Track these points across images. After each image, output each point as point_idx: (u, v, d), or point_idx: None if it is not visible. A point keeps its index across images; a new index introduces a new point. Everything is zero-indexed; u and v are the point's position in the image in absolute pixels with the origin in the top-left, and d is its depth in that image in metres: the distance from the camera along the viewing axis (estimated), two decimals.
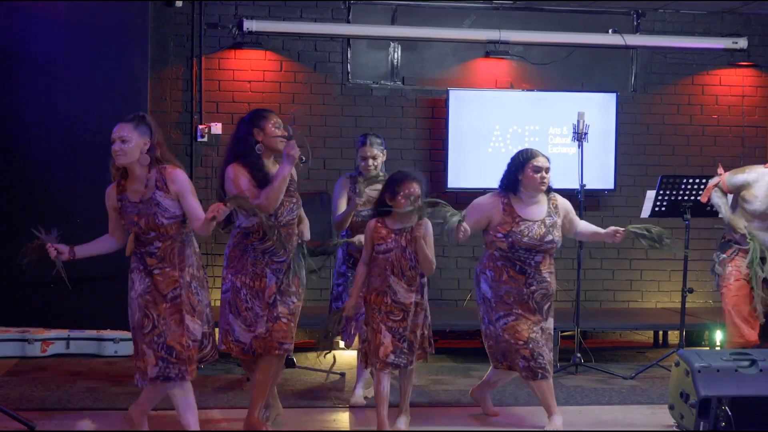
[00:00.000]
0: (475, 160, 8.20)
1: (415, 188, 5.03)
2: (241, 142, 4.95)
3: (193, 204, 4.60)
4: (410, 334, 5.08)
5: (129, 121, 4.59)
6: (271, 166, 4.97)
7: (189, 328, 4.62)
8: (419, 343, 5.14)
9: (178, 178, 4.61)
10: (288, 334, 4.95)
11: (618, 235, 5.38)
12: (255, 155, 4.92)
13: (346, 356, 7.59)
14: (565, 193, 5.65)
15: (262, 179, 4.87)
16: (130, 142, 4.56)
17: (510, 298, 5.20)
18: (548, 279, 5.28)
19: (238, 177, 4.86)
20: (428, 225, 5.08)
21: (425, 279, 5.16)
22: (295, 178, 5.06)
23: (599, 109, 8.24)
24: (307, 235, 5.18)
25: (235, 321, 4.95)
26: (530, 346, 5.15)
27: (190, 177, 8.10)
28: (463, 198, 8.43)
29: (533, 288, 5.22)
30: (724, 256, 6.20)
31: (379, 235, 5.09)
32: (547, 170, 5.30)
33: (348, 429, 5.50)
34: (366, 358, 5.20)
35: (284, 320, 4.93)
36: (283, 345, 4.93)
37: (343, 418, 5.69)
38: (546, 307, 5.28)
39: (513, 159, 5.36)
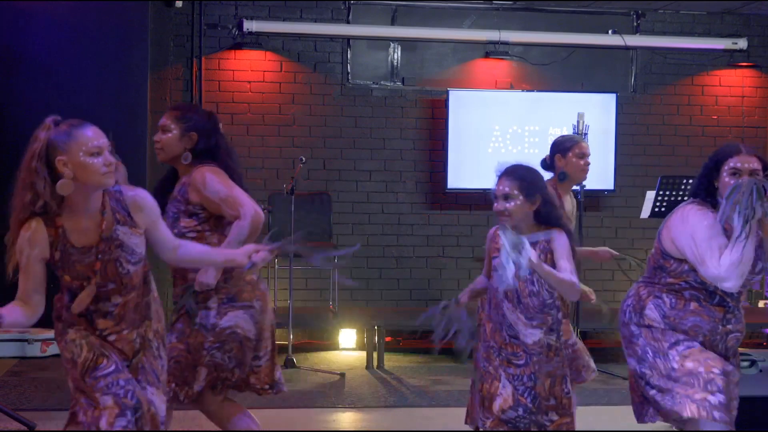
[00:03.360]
0: (474, 161, 8.20)
1: (503, 187, 3.69)
2: None
3: (166, 230, 3.41)
4: (539, 386, 3.71)
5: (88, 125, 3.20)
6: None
7: (155, 405, 3.26)
8: (556, 402, 3.72)
9: (146, 203, 3.27)
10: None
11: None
12: None
13: (344, 356, 7.60)
14: None
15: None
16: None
17: (698, 335, 3.68)
18: (742, 317, 3.80)
19: None
20: (560, 235, 3.69)
21: (560, 314, 3.78)
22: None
23: (599, 110, 8.24)
24: None
25: None
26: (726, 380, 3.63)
27: None
28: (463, 199, 8.45)
29: (730, 327, 3.72)
30: None
31: (495, 246, 3.75)
32: (754, 172, 3.67)
33: (348, 429, 5.50)
34: (469, 412, 3.95)
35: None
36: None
37: (342, 418, 5.69)
38: (733, 355, 3.80)
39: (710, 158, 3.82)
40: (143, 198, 3.26)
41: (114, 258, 3.19)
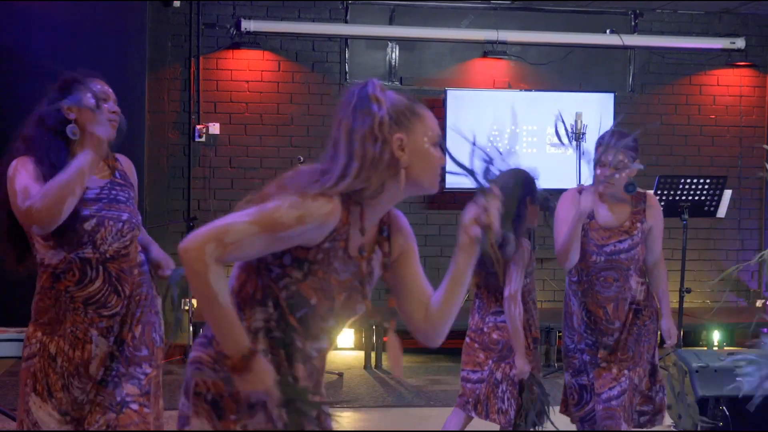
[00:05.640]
0: (472, 161, 8.20)
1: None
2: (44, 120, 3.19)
3: None
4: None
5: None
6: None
7: None
8: None
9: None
10: (145, 425, 3.11)
11: None
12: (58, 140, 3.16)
13: (343, 356, 7.60)
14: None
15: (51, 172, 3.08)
16: None
17: None
18: None
19: (17, 172, 3.09)
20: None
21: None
22: (134, 183, 3.33)
23: (597, 109, 8.25)
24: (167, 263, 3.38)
25: (44, 406, 3.13)
26: None
27: (188, 178, 8.23)
28: (461, 198, 8.45)
29: None
30: None
31: None
32: None
33: (346, 429, 5.51)
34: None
35: (134, 406, 3.10)
36: None
37: (340, 418, 5.69)
38: None
39: None
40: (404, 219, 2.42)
41: (361, 289, 2.33)
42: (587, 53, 8.64)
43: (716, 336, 7.61)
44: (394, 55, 8.43)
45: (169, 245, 8.29)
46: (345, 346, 7.85)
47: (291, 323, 2.21)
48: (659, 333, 4.20)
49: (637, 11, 8.68)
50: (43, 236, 3.08)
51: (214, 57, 8.19)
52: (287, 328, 2.22)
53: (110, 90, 3.26)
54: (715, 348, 7.49)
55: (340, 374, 6.69)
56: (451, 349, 7.73)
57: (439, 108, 8.33)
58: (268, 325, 2.21)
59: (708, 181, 6.84)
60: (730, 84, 8.82)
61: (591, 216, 4.05)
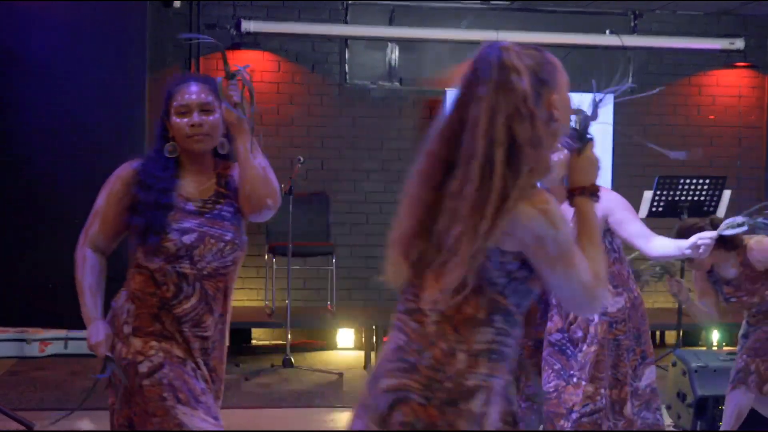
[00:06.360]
0: None
1: None
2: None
3: None
4: None
5: None
6: (189, 185, 3.02)
7: None
8: None
9: None
10: None
11: None
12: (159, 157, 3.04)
13: (343, 356, 7.61)
14: None
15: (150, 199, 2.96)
16: None
17: None
18: None
19: (110, 183, 3.04)
20: None
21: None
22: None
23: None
24: None
25: (195, 413, 2.87)
26: None
27: None
28: None
29: None
30: None
31: None
32: None
33: (346, 429, 5.51)
34: None
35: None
36: None
37: (341, 418, 5.70)
38: None
39: None
40: None
41: None
42: (586, 54, 8.65)
43: (715, 336, 7.62)
44: (393, 56, 8.44)
45: None
46: (345, 346, 7.86)
47: (517, 320, 2.13)
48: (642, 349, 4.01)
49: (637, 12, 8.69)
50: (140, 238, 2.95)
51: (215, 58, 8.19)
52: (513, 329, 2.12)
53: (198, 98, 2.97)
54: (714, 348, 7.50)
55: (340, 374, 6.70)
56: None
57: (439, 108, 8.32)
58: (492, 346, 2.09)
59: (707, 181, 6.86)
60: (729, 85, 8.83)
61: None
